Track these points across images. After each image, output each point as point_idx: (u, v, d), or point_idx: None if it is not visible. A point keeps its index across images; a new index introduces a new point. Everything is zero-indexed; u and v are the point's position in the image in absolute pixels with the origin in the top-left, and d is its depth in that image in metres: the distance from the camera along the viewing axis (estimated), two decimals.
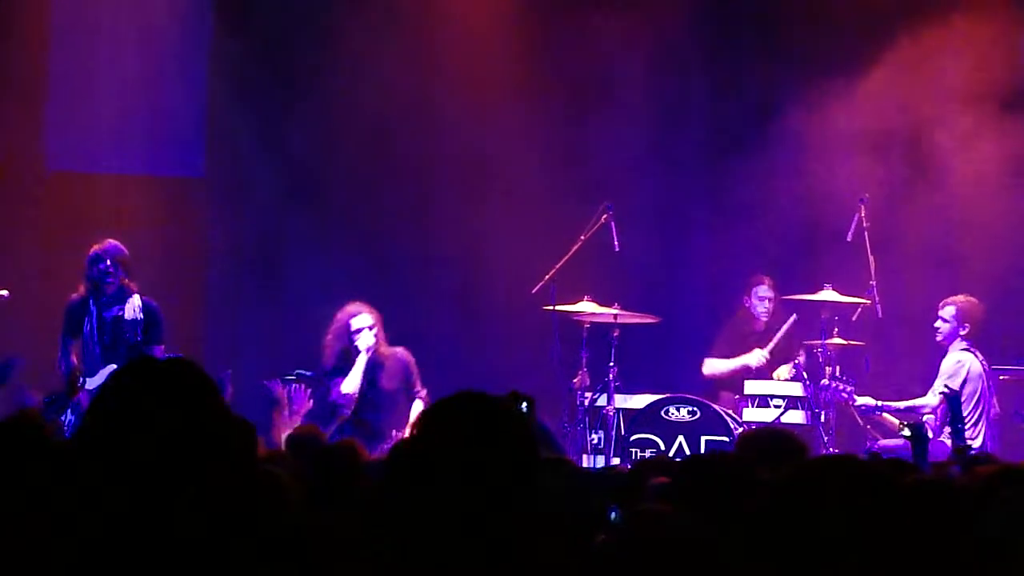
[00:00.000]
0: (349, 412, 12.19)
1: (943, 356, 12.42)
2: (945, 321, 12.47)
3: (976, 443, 11.78)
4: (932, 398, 12.06)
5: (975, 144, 13.64)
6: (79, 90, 14.47)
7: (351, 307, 12.49)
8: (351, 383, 12.16)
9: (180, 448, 3.27)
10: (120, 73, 14.43)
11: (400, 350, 12.44)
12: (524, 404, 5.88)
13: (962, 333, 12.33)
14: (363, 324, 12.33)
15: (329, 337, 12.47)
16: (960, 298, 12.53)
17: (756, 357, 13.05)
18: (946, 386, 11.76)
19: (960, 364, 12.16)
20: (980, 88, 13.72)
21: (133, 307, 11.54)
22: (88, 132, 14.50)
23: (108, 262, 11.44)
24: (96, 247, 11.51)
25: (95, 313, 11.55)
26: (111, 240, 11.60)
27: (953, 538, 4.50)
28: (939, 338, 12.47)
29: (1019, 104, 13.76)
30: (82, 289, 11.56)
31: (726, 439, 12.12)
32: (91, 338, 11.50)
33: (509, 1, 14.65)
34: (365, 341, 12.24)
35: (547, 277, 12.99)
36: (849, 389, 12.05)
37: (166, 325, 11.75)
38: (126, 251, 11.58)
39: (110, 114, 14.43)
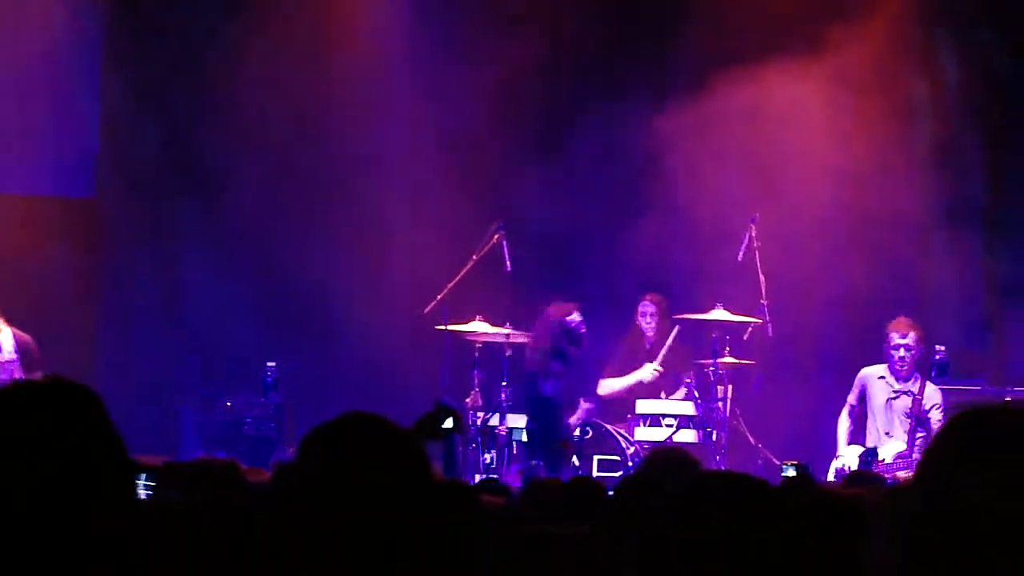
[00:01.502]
0: None
1: (906, 380, 12.70)
2: (909, 349, 12.58)
3: None
4: None
5: (864, 162, 14.05)
6: None
7: (559, 307, 12.81)
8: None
9: (37, 469, 3.04)
10: (9, 93, 14.47)
11: None
12: (451, 419, 5.97)
13: (917, 359, 12.53)
14: (579, 317, 12.71)
15: (536, 341, 12.78)
16: (909, 321, 12.73)
17: (648, 371, 13.23)
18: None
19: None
20: (867, 108, 14.08)
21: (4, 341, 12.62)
22: None
23: None
24: None
25: None
26: None
27: (839, 555, 4.50)
28: (904, 366, 12.62)
29: (905, 124, 14.29)
30: None
31: (618, 458, 12.34)
32: None
33: (406, 25, 14.90)
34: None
35: (439, 297, 13.08)
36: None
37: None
38: None
39: (4, 136, 14.50)
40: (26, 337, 12.53)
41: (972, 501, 2.76)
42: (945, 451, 2.88)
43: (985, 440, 2.85)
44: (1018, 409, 2.87)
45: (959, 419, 2.91)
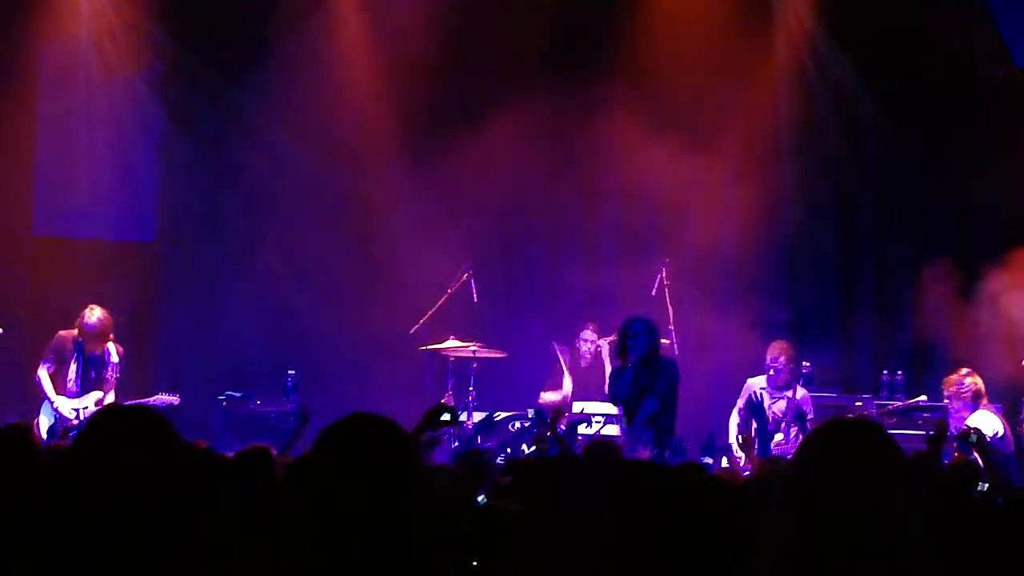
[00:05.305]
0: None
1: (781, 388, 12.30)
2: (783, 366, 12.27)
3: None
4: None
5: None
6: (59, 170, 14.48)
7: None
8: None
9: (137, 472, 3.34)
10: (98, 164, 14.43)
11: None
12: (448, 414, 6.24)
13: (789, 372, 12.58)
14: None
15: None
16: (782, 344, 12.46)
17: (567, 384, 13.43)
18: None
19: None
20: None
21: (112, 351, 12.39)
22: (65, 204, 14.56)
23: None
24: (88, 319, 12.22)
25: (81, 353, 12.32)
26: (99, 316, 12.22)
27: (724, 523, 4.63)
28: (779, 380, 12.30)
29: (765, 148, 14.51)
30: (75, 333, 12.36)
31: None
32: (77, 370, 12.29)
33: (395, 108, 14.72)
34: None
35: (422, 321, 13.53)
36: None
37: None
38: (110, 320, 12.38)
39: (83, 190, 14.39)
40: (120, 349, 12.37)
41: (828, 478, 3.01)
42: (813, 446, 3.14)
43: (841, 443, 3.10)
44: (866, 423, 3.19)
45: (824, 425, 3.20)
